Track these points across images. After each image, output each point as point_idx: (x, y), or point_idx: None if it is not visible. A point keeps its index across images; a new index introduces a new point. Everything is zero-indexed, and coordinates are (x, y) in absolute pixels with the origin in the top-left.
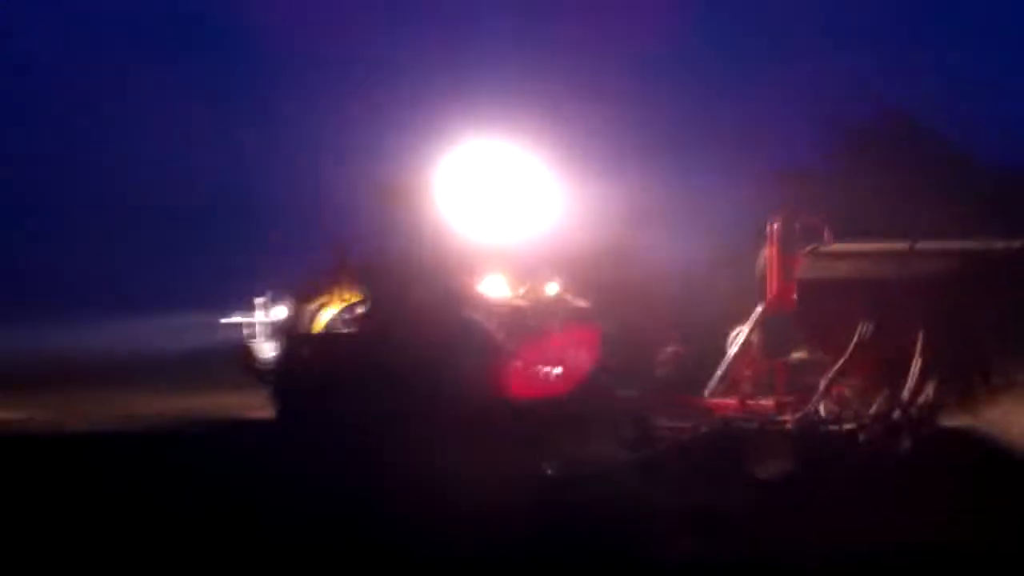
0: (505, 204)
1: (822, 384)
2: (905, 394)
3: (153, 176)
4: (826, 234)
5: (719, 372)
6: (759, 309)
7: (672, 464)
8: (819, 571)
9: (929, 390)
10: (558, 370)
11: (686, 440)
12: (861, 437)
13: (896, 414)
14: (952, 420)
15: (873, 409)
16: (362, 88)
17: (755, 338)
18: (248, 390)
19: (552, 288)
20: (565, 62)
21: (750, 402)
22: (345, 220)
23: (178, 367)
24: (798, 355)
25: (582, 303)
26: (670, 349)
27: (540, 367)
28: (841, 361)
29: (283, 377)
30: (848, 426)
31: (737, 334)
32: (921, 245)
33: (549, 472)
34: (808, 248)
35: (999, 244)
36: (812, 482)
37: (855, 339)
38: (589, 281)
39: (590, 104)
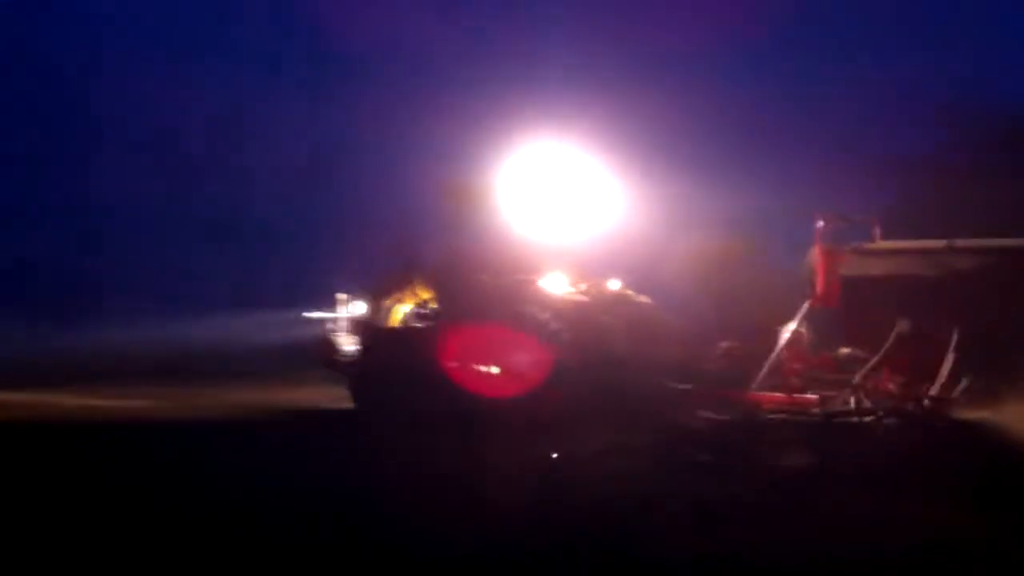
0: (569, 204)
1: (856, 378)
2: (927, 388)
3: (243, 187)
4: (875, 232)
5: (767, 367)
6: (806, 305)
7: (694, 452)
8: (805, 564)
9: (955, 384)
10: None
11: (708, 430)
12: (878, 429)
13: (912, 406)
14: (974, 414)
15: (892, 402)
16: (432, 93)
17: (802, 334)
18: (332, 384)
19: (614, 284)
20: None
21: (796, 396)
22: (415, 221)
23: (273, 360)
24: (845, 351)
25: (644, 299)
26: (724, 345)
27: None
28: (877, 357)
29: (360, 369)
30: (868, 419)
31: (786, 330)
32: (960, 243)
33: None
34: (852, 246)
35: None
36: (824, 473)
37: (892, 335)
38: (652, 279)
39: (685, 105)
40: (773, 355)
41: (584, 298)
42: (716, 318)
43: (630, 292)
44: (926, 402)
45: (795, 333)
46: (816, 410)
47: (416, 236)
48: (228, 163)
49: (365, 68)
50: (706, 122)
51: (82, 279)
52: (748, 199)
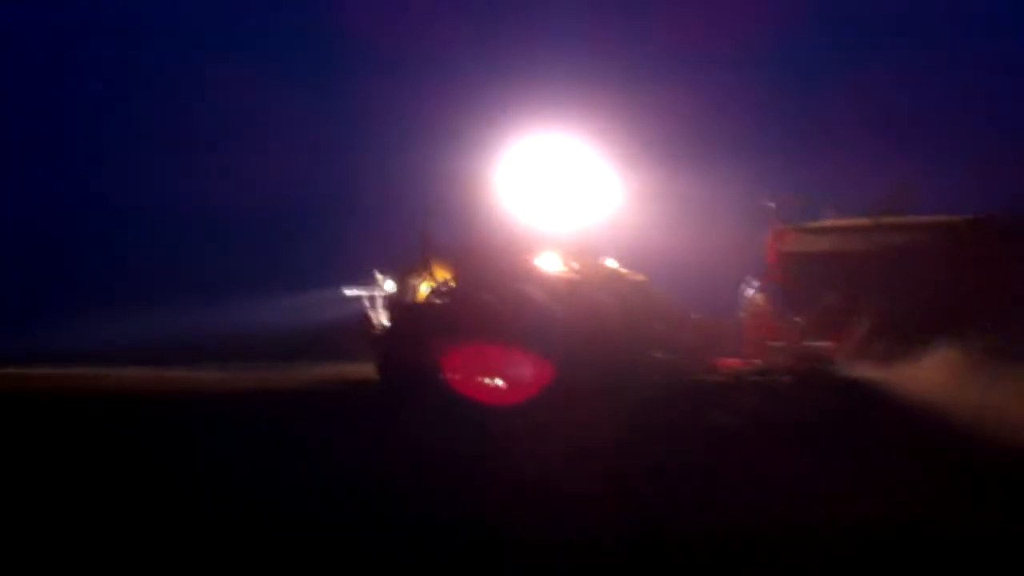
0: (569, 190)
1: (780, 344)
2: (834, 349)
3: (279, 181)
4: (828, 212)
5: (728, 336)
6: (762, 280)
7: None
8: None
9: (866, 347)
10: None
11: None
12: (780, 388)
13: (815, 367)
14: (874, 373)
15: (798, 364)
16: (446, 88)
17: (761, 306)
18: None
19: (611, 263)
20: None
21: (746, 361)
22: (432, 207)
23: (321, 337)
24: (797, 320)
25: (639, 277)
26: (694, 316)
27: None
28: (805, 323)
29: (387, 341)
30: (771, 378)
31: (747, 302)
32: (885, 220)
33: None
34: (794, 225)
35: (951, 218)
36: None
37: (821, 303)
38: (646, 259)
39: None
40: (732, 325)
41: (576, 276)
42: (696, 293)
43: (625, 270)
44: (828, 363)
45: (753, 305)
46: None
47: (433, 221)
48: (262, 159)
49: (386, 65)
50: (698, 114)
51: (149, 271)
52: (735, 185)
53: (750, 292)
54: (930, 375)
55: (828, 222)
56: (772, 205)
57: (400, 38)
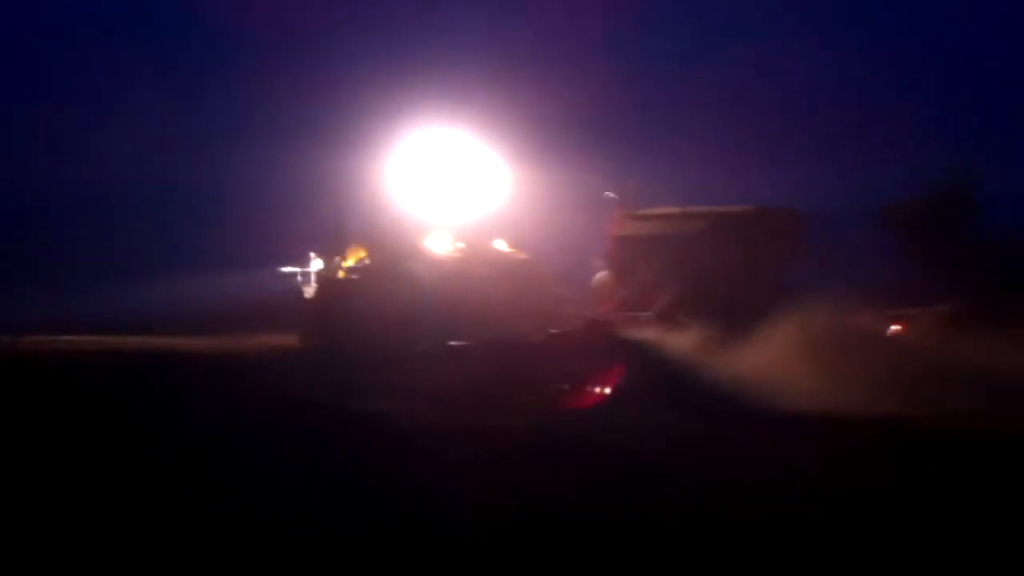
0: (461, 178)
1: (595, 312)
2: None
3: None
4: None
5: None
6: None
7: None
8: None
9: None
10: None
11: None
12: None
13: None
14: (648, 336)
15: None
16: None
17: (606, 283)
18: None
19: (498, 244)
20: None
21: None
22: (346, 196)
23: (263, 308)
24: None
25: (523, 256)
26: (557, 290)
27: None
28: (629, 296)
29: (308, 311)
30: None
31: (595, 279)
32: (691, 208)
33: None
34: (623, 212)
35: (739, 207)
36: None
37: (638, 279)
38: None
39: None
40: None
41: (462, 254)
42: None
43: (511, 250)
44: (611, 327)
45: (599, 282)
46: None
47: (347, 208)
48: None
49: (289, 65)
50: (576, 107)
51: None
52: (601, 175)
53: (599, 271)
54: (695, 341)
55: (650, 210)
56: (612, 195)
57: (303, 40)
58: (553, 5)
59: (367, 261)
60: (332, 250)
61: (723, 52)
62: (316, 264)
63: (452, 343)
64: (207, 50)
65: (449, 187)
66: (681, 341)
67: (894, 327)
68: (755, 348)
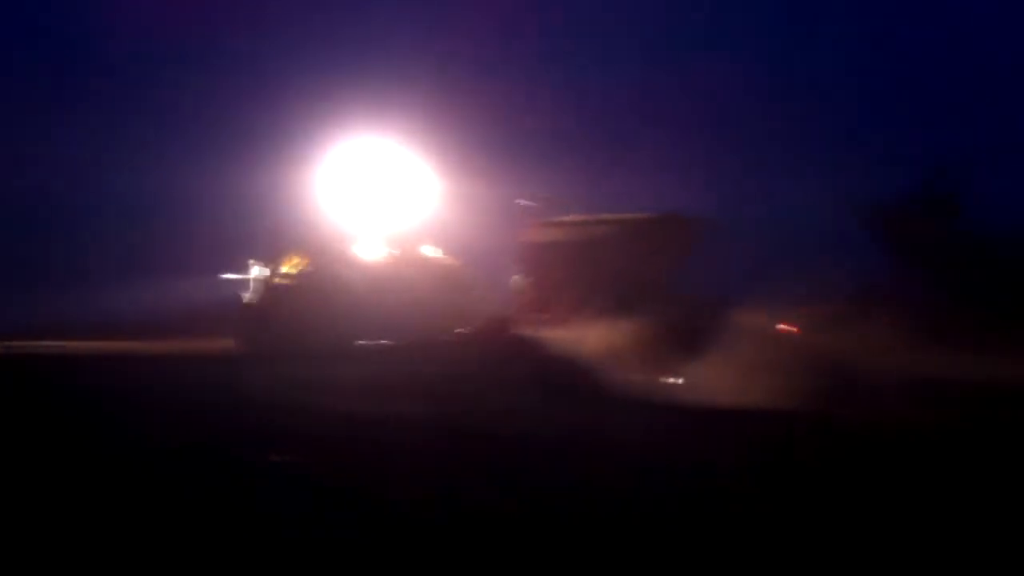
0: (393, 187)
1: (507, 313)
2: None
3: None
4: (568, 210)
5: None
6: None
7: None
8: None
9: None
10: None
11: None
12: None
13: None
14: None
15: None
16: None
17: (522, 286)
18: None
19: (428, 250)
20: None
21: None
22: (282, 206)
23: (208, 313)
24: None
25: (453, 261)
26: (477, 292)
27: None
28: (525, 298)
29: (246, 314)
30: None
31: (513, 282)
32: (600, 216)
33: None
34: (537, 220)
35: (638, 215)
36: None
37: (543, 282)
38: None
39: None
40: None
41: (388, 260)
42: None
43: (442, 255)
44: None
45: (516, 284)
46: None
47: (283, 217)
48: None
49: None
50: (501, 120)
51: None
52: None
53: (515, 274)
54: (587, 336)
55: (558, 218)
56: (525, 203)
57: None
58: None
59: (301, 267)
60: (269, 257)
61: (649, 70)
62: (255, 271)
63: (362, 342)
64: (146, 61)
65: (381, 196)
66: (579, 337)
67: (781, 326)
68: (647, 343)
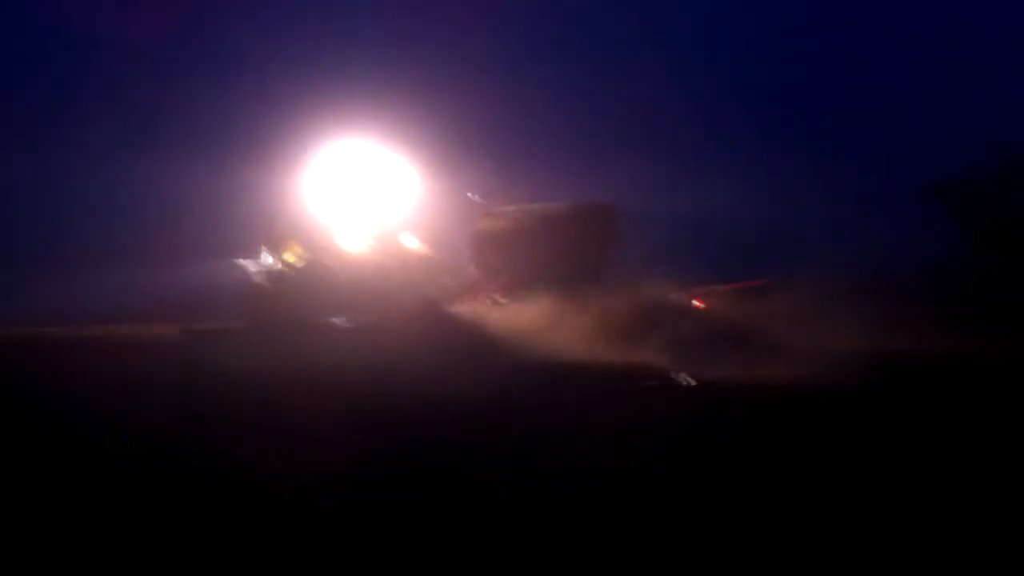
0: (374, 184)
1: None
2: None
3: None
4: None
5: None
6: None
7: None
8: None
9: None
10: None
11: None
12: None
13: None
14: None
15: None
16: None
17: (473, 271)
18: None
19: (408, 239)
20: None
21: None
22: (282, 198)
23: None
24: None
25: (426, 248)
26: (445, 279)
27: None
28: (470, 279)
29: (255, 296)
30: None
31: (465, 267)
32: (528, 207)
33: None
34: (482, 211)
35: (563, 205)
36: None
37: (488, 267)
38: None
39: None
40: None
41: (367, 250)
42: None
43: (418, 243)
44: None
45: (465, 271)
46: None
47: (281, 209)
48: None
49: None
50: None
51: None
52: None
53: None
54: (523, 316)
55: (501, 208)
56: (473, 196)
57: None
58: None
59: (298, 255)
60: (273, 244)
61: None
62: (264, 256)
63: (335, 320)
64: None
65: (366, 192)
66: (511, 316)
67: (695, 302)
68: (572, 320)
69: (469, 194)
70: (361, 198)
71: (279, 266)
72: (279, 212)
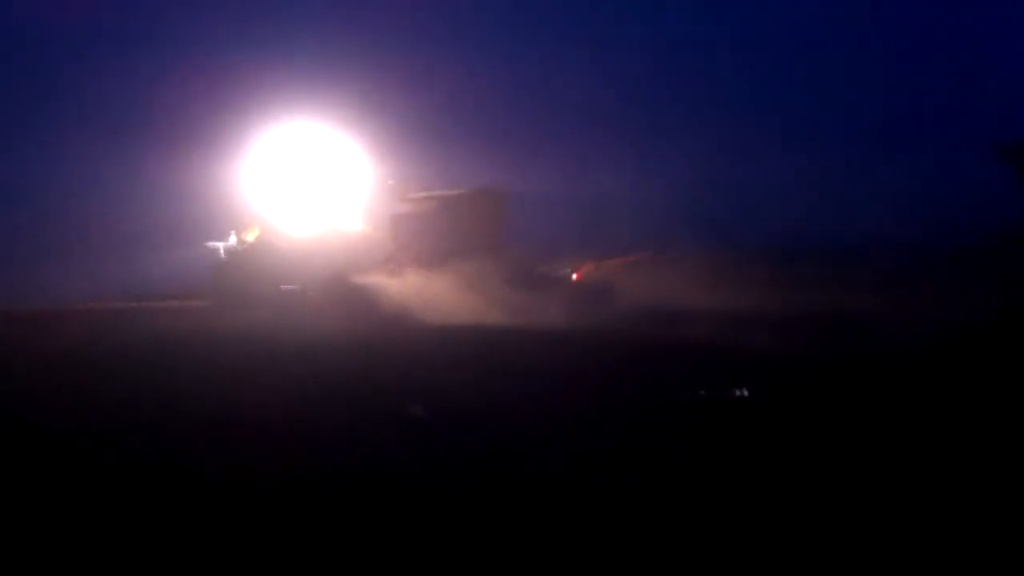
0: (320, 170)
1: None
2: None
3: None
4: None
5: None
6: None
7: None
8: None
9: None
10: None
11: None
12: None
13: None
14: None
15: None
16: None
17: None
18: None
19: (350, 222)
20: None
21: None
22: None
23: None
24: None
25: (367, 229)
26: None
27: None
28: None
29: (219, 275)
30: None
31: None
32: (437, 192)
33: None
34: (402, 195)
35: (459, 190)
36: None
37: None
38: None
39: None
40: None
41: (313, 232)
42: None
43: (364, 227)
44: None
45: (386, 248)
46: None
47: (241, 195)
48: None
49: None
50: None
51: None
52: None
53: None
54: (419, 284)
55: (412, 194)
56: (392, 182)
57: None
58: None
59: (255, 236)
60: (238, 228)
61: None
62: (231, 239)
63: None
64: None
65: (315, 177)
66: (406, 284)
67: (574, 274)
68: (462, 288)
69: (389, 181)
70: (301, 181)
71: (238, 246)
72: (240, 198)
